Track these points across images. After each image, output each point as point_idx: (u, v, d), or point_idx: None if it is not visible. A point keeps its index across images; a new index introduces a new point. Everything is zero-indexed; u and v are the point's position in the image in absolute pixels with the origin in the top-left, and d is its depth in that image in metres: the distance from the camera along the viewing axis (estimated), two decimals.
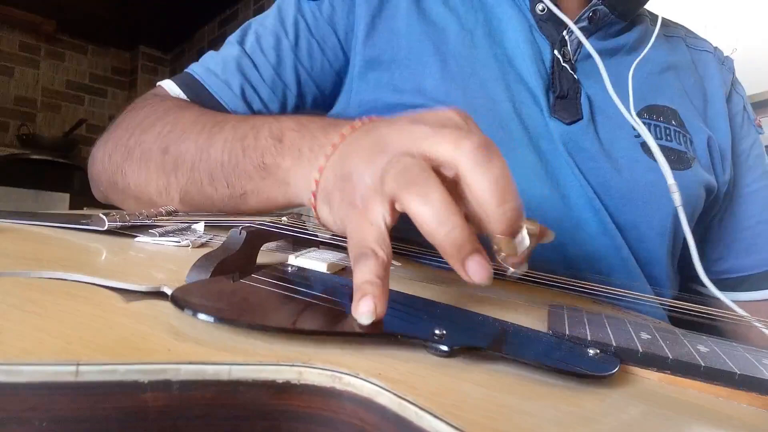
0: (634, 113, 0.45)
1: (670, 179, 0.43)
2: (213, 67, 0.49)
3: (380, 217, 0.23)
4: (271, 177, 0.33)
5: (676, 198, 0.43)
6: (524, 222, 0.23)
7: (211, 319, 0.18)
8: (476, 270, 0.22)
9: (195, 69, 0.50)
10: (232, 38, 0.51)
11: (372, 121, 0.28)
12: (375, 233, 0.22)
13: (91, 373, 0.14)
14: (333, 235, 0.37)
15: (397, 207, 0.23)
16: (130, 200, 0.45)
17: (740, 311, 0.35)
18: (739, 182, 0.56)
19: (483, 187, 0.22)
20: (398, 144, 0.24)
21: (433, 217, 0.21)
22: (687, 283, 0.58)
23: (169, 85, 0.50)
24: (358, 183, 0.25)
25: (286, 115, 0.36)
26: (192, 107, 0.45)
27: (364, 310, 0.20)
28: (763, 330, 0.31)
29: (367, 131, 0.27)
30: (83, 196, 2.16)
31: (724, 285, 0.57)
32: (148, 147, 0.41)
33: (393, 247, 0.29)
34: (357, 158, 0.25)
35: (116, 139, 0.45)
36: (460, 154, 0.22)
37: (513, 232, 0.23)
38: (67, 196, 2.21)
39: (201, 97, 0.48)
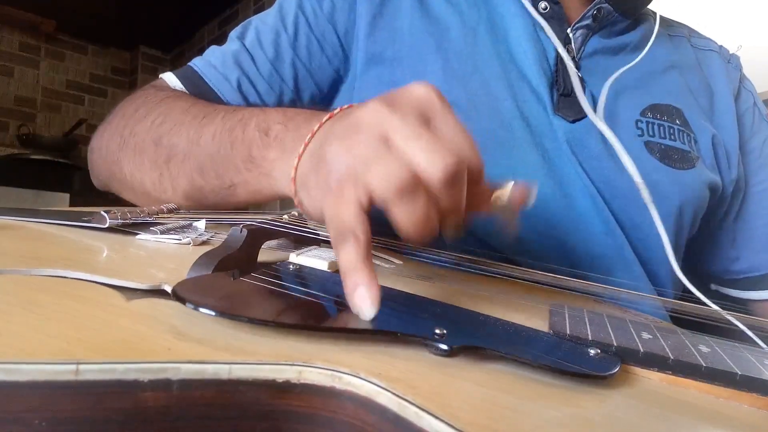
0: (601, 116, 0.45)
1: (638, 178, 0.43)
2: (213, 60, 0.50)
3: (356, 199, 0.23)
4: (258, 169, 0.34)
5: (645, 195, 0.43)
6: (497, 193, 0.27)
7: (212, 313, 0.18)
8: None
9: (196, 62, 0.52)
10: (233, 34, 0.52)
11: (349, 107, 0.28)
12: (352, 213, 0.22)
13: (91, 372, 0.14)
14: None
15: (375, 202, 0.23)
16: (127, 190, 0.46)
17: (716, 307, 0.35)
18: (752, 180, 0.55)
19: (445, 205, 0.24)
20: (373, 128, 0.24)
21: (412, 224, 0.23)
22: (706, 283, 0.58)
23: (169, 78, 0.50)
24: (332, 165, 0.25)
25: (275, 108, 0.37)
26: (185, 97, 0.46)
27: (360, 304, 0.20)
28: (747, 331, 0.31)
29: (341, 117, 0.27)
30: (83, 196, 2.16)
31: (743, 284, 0.57)
32: (142, 138, 0.42)
33: (392, 246, 0.29)
34: (331, 141, 0.25)
35: (112, 130, 0.46)
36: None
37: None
38: (66, 196, 2.21)
39: (200, 90, 0.49)
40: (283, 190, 0.33)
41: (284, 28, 0.50)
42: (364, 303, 0.20)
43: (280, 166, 0.32)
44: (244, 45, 0.50)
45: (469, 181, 0.24)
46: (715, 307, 0.35)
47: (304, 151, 0.28)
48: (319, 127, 0.28)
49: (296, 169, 0.28)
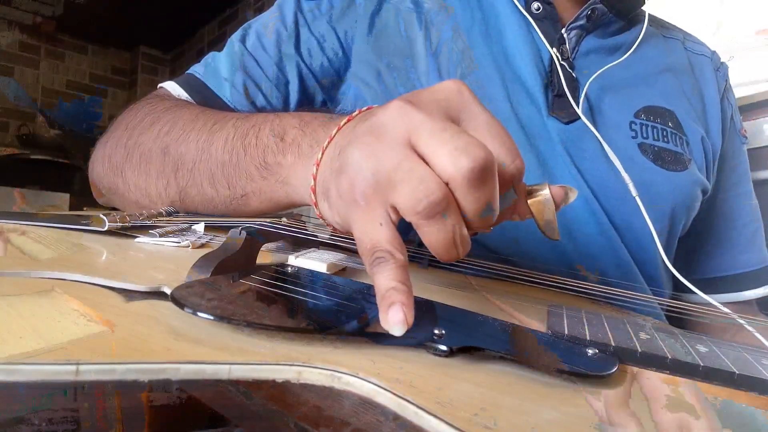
0: (589, 116, 0.46)
1: (624, 174, 0.43)
2: (215, 65, 0.50)
3: (387, 217, 0.21)
4: (273, 176, 0.32)
5: (632, 189, 0.43)
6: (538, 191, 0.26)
7: (210, 317, 0.18)
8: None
9: (196, 69, 0.51)
10: (234, 37, 0.52)
11: (368, 109, 0.27)
12: (387, 234, 0.21)
13: (91, 372, 0.14)
14: (332, 235, 0.37)
15: (403, 216, 0.22)
16: (131, 204, 0.44)
17: (725, 310, 0.35)
18: (724, 184, 0.56)
19: (472, 209, 0.21)
20: (395, 131, 0.22)
21: (442, 245, 0.22)
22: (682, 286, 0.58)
23: (170, 86, 0.49)
24: (356, 174, 0.23)
25: (289, 113, 0.36)
26: (191, 106, 0.45)
27: (396, 320, 0.19)
28: (753, 331, 0.31)
29: (361, 119, 0.25)
30: (83, 197, 2.16)
31: (715, 285, 0.57)
32: (148, 148, 0.40)
33: None
34: (352, 148, 0.23)
35: (115, 141, 0.44)
36: (457, 174, 0.21)
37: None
38: (67, 196, 2.21)
39: (204, 96, 0.48)
40: (300, 198, 0.31)
41: (285, 29, 0.50)
42: (396, 317, 0.19)
43: (298, 172, 0.30)
44: (246, 48, 0.49)
45: (504, 182, 0.22)
46: (719, 306, 0.35)
47: (322, 156, 0.26)
48: (338, 131, 0.27)
49: (315, 177, 0.27)
